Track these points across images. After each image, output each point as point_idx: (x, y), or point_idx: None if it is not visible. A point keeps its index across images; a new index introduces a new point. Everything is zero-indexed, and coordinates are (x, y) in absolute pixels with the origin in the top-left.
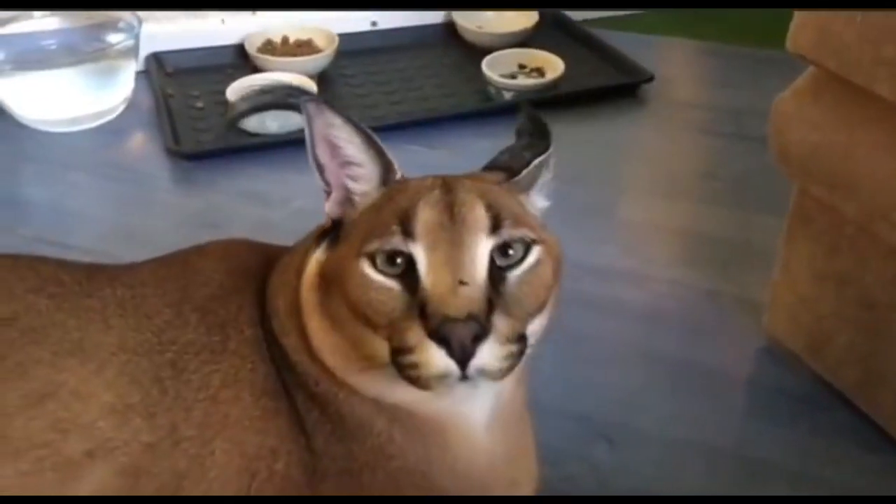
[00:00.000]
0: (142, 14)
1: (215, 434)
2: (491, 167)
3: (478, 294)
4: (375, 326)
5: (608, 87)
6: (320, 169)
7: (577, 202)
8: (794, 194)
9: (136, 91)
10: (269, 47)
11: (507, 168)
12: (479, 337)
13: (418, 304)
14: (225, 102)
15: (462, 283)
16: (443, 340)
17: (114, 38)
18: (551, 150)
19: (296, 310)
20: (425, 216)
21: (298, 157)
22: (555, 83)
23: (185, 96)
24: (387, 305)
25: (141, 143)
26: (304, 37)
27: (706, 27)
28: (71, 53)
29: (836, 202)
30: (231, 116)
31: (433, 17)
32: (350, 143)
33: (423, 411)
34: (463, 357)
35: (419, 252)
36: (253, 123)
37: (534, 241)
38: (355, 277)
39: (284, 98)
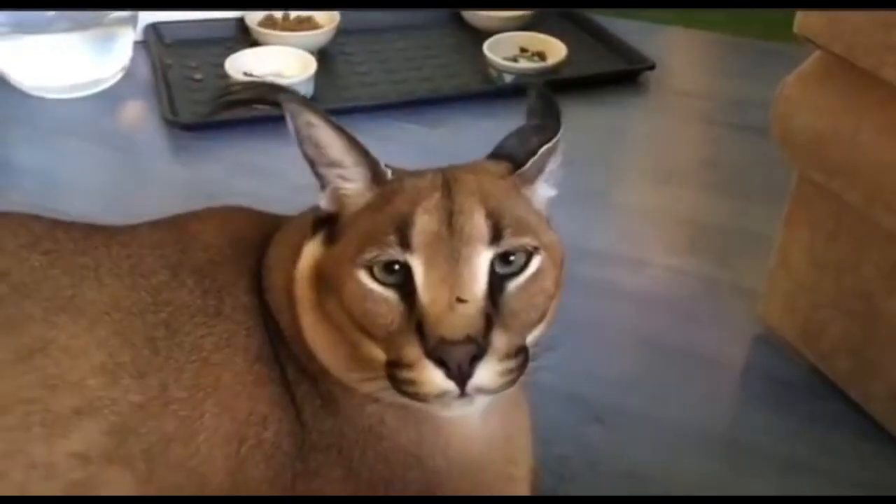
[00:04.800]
0: None
1: (206, 397)
2: (497, 154)
3: (475, 312)
4: (372, 337)
5: (609, 74)
6: (311, 163)
7: (576, 187)
8: (794, 181)
9: (134, 61)
10: (269, 22)
11: (513, 156)
12: (478, 357)
13: (416, 319)
14: (224, 75)
15: (460, 300)
16: (440, 361)
17: None
18: (559, 135)
19: (290, 293)
20: (423, 225)
21: None
22: (556, 68)
23: (184, 67)
24: (385, 318)
25: (138, 113)
26: (305, 12)
27: (709, 16)
28: (69, 18)
29: (837, 188)
30: (211, 107)
31: None
32: (332, 145)
33: (418, 406)
34: (461, 377)
35: (416, 265)
36: None
37: (535, 249)
38: (351, 285)
39: (264, 95)
